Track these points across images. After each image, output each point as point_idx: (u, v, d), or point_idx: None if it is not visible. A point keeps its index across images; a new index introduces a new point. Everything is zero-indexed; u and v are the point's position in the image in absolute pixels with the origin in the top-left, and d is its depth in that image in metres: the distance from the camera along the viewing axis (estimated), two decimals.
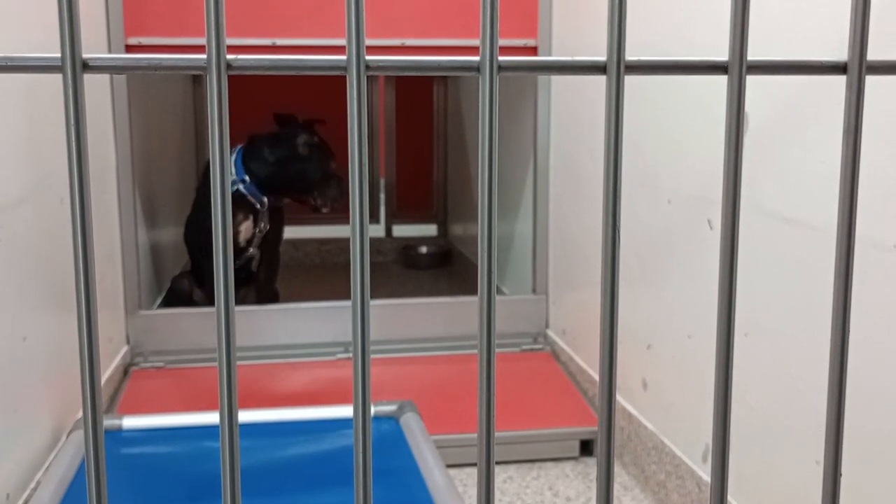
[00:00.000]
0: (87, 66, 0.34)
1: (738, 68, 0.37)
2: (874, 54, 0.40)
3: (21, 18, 1.51)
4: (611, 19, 0.36)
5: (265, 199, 2.50)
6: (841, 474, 0.42)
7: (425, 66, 0.37)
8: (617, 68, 0.36)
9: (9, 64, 0.34)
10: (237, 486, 0.47)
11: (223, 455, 0.46)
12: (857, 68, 0.38)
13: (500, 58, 0.37)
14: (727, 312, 0.42)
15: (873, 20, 0.40)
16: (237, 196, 2.47)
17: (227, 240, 0.41)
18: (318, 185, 2.56)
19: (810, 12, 1.22)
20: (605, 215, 0.38)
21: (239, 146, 2.52)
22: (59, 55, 0.34)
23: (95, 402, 0.41)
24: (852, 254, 0.40)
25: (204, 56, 0.35)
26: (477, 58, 0.37)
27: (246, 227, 2.53)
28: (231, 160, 2.50)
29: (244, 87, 3.31)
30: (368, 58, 0.36)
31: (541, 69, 0.38)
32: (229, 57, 0.35)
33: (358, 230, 0.39)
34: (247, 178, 2.48)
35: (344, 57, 0.36)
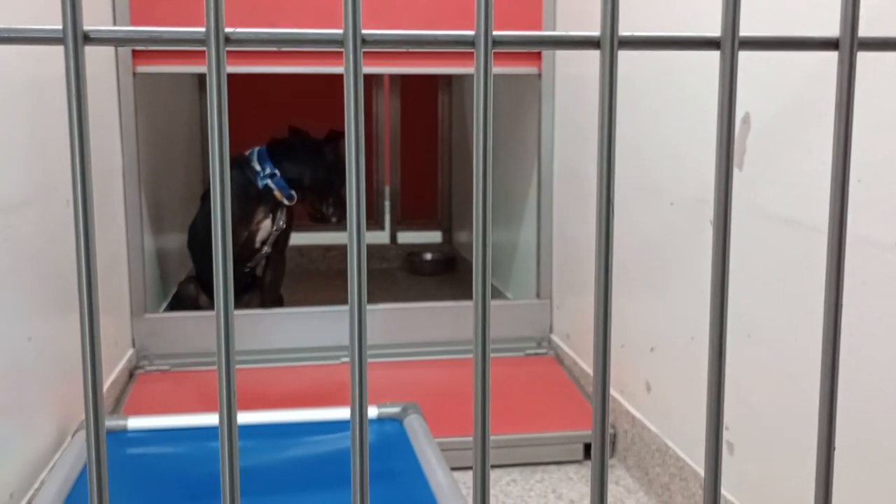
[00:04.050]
0: (88, 39, 0.35)
1: (730, 43, 0.38)
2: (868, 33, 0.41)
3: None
4: None
5: (293, 194, 2.52)
6: (833, 456, 0.42)
7: (421, 40, 0.37)
8: (610, 43, 0.37)
9: (10, 36, 0.35)
10: (236, 485, 0.47)
11: (222, 452, 0.46)
12: (848, 44, 0.38)
13: (495, 32, 0.37)
14: (720, 302, 0.43)
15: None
16: (264, 191, 2.48)
17: (226, 219, 0.41)
18: (335, 194, 2.58)
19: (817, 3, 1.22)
20: (598, 189, 0.39)
21: (257, 147, 2.54)
22: (60, 27, 0.34)
23: (97, 398, 0.42)
24: (845, 229, 0.40)
25: (203, 29, 0.35)
26: (472, 32, 0.37)
27: (264, 227, 2.55)
28: (254, 156, 2.52)
29: (260, 97, 3.33)
30: (364, 31, 0.36)
31: (535, 44, 0.39)
32: (227, 30, 0.36)
33: (354, 205, 0.40)
34: (276, 172, 2.49)
35: (340, 31, 0.36)
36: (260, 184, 2.48)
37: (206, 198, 2.66)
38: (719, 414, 0.45)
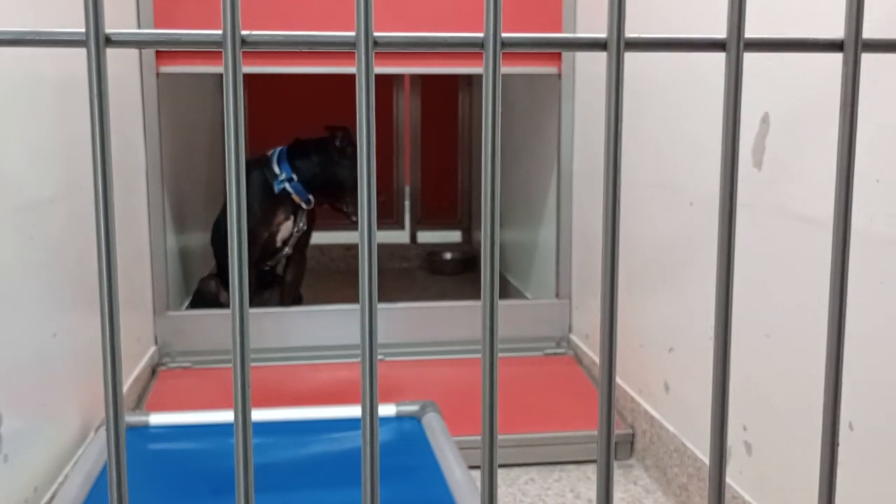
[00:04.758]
0: (109, 41, 0.36)
1: (735, 45, 0.39)
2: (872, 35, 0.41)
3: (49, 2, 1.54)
4: None
5: (310, 198, 2.52)
6: (837, 451, 0.42)
7: (431, 42, 0.38)
8: (617, 44, 0.38)
9: (35, 38, 0.36)
10: (250, 479, 0.48)
11: (237, 446, 0.47)
12: (853, 45, 0.39)
13: (504, 34, 0.38)
14: (724, 299, 0.43)
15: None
16: (282, 194, 2.50)
17: (241, 218, 0.42)
18: (350, 191, 2.56)
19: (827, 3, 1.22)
20: (605, 187, 0.39)
21: (280, 147, 2.55)
22: (83, 30, 0.36)
23: (117, 393, 0.43)
24: (849, 227, 0.41)
25: (220, 32, 0.37)
26: (481, 34, 0.38)
27: (285, 228, 2.56)
28: (274, 158, 2.53)
29: (291, 96, 3.35)
30: (376, 34, 0.37)
31: (543, 45, 0.39)
32: (244, 32, 0.37)
33: (366, 207, 0.41)
34: (294, 176, 2.50)
35: (353, 33, 0.37)
36: (276, 188, 2.48)
37: None
38: (724, 412, 0.46)
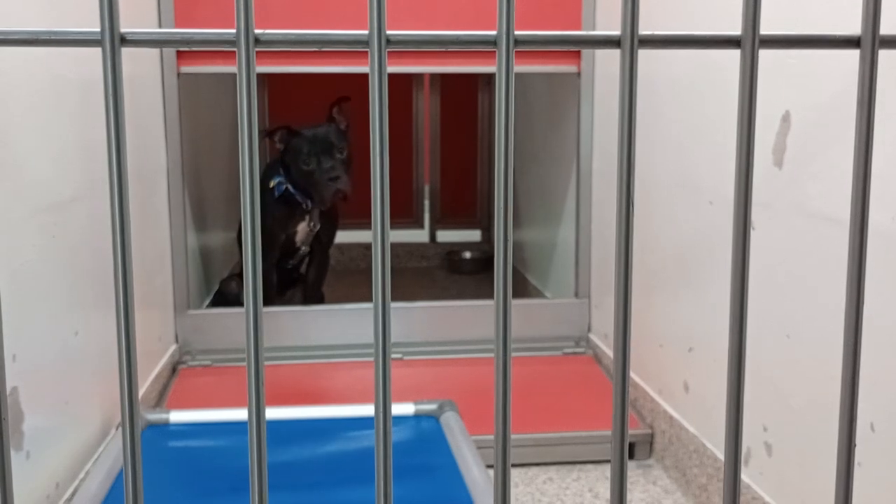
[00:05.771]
0: (125, 41, 0.36)
1: (750, 42, 0.38)
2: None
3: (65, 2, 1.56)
4: None
5: (309, 202, 2.53)
6: (854, 452, 0.42)
7: (444, 40, 0.38)
8: (630, 42, 0.38)
9: (50, 38, 0.36)
10: (264, 478, 0.48)
11: (251, 444, 0.48)
12: (870, 42, 0.39)
13: (517, 32, 0.38)
14: (739, 298, 0.43)
15: None
16: (288, 195, 2.50)
17: (255, 218, 0.43)
18: (303, 182, 2.47)
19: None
20: (619, 187, 0.39)
21: None
22: (98, 30, 0.36)
23: (132, 394, 0.43)
24: (866, 226, 0.40)
25: (234, 31, 0.37)
26: (494, 32, 0.38)
27: (302, 228, 2.57)
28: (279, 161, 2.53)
29: (310, 97, 3.35)
30: (389, 32, 0.37)
31: (556, 42, 0.39)
32: (258, 31, 0.37)
33: (379, 207, 0.41)
34: (284, 178, 2.51)
35: (366, 32, 0.38)
36: (277, 191, 2.48)
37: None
38: (738, 413, 0.45)
